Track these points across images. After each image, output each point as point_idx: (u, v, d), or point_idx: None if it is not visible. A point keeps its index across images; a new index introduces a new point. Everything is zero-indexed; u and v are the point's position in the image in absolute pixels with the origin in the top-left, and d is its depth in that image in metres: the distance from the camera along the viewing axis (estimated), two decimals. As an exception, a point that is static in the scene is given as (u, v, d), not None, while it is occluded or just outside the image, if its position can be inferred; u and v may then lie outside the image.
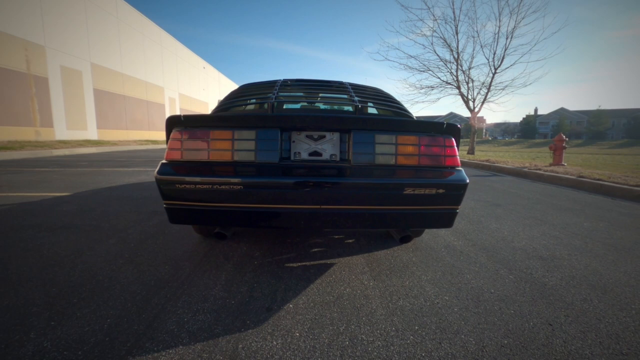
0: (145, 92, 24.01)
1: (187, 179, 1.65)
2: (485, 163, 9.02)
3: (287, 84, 2.61)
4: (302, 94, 2.63)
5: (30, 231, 2.70)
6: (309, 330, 1.45)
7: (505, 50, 11.99)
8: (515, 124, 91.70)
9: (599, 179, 5.58)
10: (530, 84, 12.80)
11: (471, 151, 12.83)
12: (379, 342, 1.37)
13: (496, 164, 8.55)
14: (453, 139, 1.79)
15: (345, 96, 2.39)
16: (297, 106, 2.66)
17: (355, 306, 1.66)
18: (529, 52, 12.00)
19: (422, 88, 13.61)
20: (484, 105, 13.17)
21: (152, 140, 23.21)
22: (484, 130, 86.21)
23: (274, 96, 2.10)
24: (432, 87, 13.43)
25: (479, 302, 1.72)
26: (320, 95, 2.58)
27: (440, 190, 1.69)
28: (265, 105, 2.03)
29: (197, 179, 1.64)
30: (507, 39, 11.96)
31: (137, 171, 7.04)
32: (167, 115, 27.72)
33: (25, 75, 13.92)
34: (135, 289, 1.78)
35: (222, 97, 43.87)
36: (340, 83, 2.67)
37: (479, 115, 13.48)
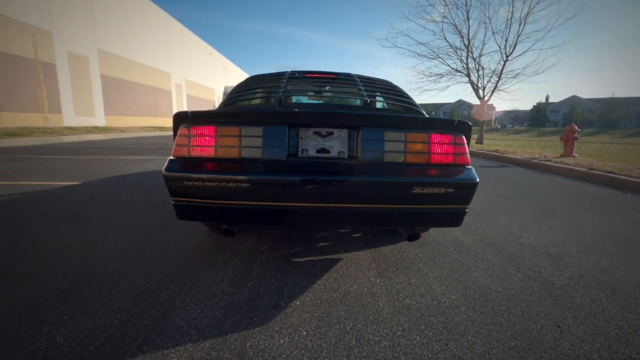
0: (151, 79, 23.93)
1: (195, 175, 1.64)
2: (494, 153, 8.90)
3: (294, 76, 2.57)
4: (309, 86, 2.59)
5: (40, 221, 2.74)
6: (316, 328, 1.46)
7: (518, 37, 11.66)
8: (525, 112, 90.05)
9: (610, 172, 5.48)
10: (542, 72, 12.46)
11: (480, 140, 12.64)
12: (386, 343, 1.38)
13: (505, 155, 8.43)
14: (464, 136, 1.76)
15: (354, 89, 2.34)
16: (305, 100, 2.63)
17: (361, 304, 1.67)
18: (542, 38, 11.61)
19: (431, 76, 13.37)
20: (494, 94, 12.93)
21: (159, 127, 23.24)
22: (493, 119, 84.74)
23: (281, 90, 2.07)
24: (441, 75, 13.18)
25: (486, 302, 1.71)
26: (328, 87, 2.54)
27: (450, 190, 1.67)
28: (273, 100, 2.00)
29: (205, 176, 1.64)
30: (520, 25, 11.63)
31: (144, 159, 7.07)
32: (174, 101, 27.82)
33: (33, 62, 13.93)
34: (145, 282, 1.80)
35: (228, 84, 43.66)
36: (349, 75, 2.62)
37: (488, 103, 13.22)
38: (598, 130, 59.94)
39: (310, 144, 1.76)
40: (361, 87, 2.25)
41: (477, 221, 3.09)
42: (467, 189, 1.69)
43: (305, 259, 2.18)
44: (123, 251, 2.20)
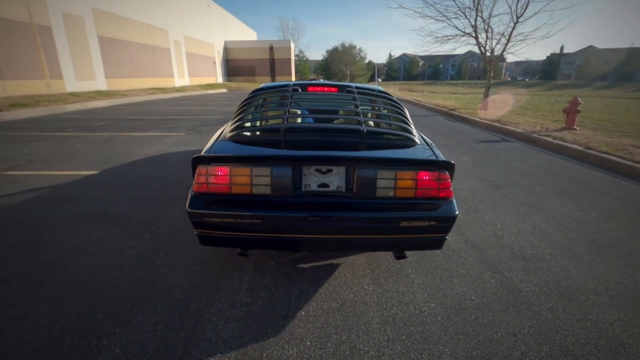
0: (149, 36, 23.20)
1: (213, 212, 1.92)
2: (495, 124, 8.95)
3: (297, 92, 2.73)
4: (311, 104, 2.77)
5: (74, 224, 3.08)
6: (318, 339, 1.82)
7: (531, -4, 11.07)
8: (538, 63, 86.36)
9: (605, 152, 5.64)
10: (553, 34, 11.98)
11: (484, 107, 12.53)
12: (373, 352, 1.74)
13: (506, 127, 8.50)
14: (447, 172, 1.99)
15: (352, 111, 2.53)
16: (309, 119, 2.82)
17: (355, 314, 2.02)
18: (556, -2, 11.03)
19: (437, 38, 12.91)
20: (503, 52, 12.54)
21: (160, 87, 22.96)
22: (503, 70, 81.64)
23: (284, 119, 2.27)
24: (449, 37, 12.72)
25: (459, 310, 2.06)
26: (329, 106, 2.72)
27: (432, 223, 1.95)
28: (279, 127, 2.20)
29: (222, 212, 1.92)
30: (534, -18, 10.98)
31: (152, 137, 7.29)
32: (174, 60, 27.13)
33: (29, 25, 13.58)
34: (175, 293, 2.16)
35: (228, 38, 42.01)
36: (349, 90, 2.77)
37: (497, 54, 12.84)
38: (612, 83, 57.92)
39: (312, 179, 2.01)
40: (359, 110, 2.43)
41: (465, 217, 3.39)
42: (447, 222, 1.97)
43: (309, 264, 2.51)
44: (152, 258, 2.55)
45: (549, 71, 72.27)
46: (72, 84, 16.05)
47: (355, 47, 62.54)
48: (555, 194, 4.11)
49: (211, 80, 35.54)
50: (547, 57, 75.15)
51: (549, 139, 6.86)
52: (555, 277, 2.41)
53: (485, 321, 1.97)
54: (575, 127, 7.86)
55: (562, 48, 77.05)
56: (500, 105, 14.79)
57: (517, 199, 3.94)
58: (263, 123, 2.57)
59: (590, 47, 72.19)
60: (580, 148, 6.03)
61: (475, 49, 13.04)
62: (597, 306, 2.11)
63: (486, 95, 12.70)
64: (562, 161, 5.80)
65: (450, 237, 2.96)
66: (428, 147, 2.28)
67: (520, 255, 2.70)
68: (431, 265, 2.54)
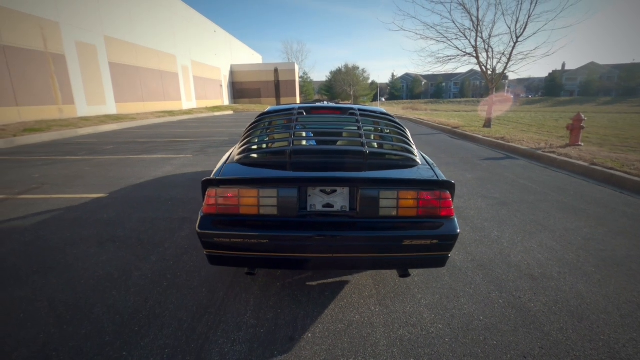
0: (158, 62, 23.95)
1: (222, 233, 1.96)
2: (499, 142, 8.99)
3: (302, 115, 2.82)
4: (316, 127, 2.85)
5: (83, 246, 3.13)
6: (324, 362, 1.81)
7: (529, 17, 11.32)
8: (540, 80, 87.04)
9: (611, 168, 5.62)
10: (553, 53, 12.21)
11: (488, 124, 12.61)
12: (380, 375, 1.72)
13: (510, 144, 8.52)
14: (448, 192, 2.02)
15: (355, 133, 2.59)
16: (313, 142, 2.89)
17: (362, 335, 2.00)
18: (554, 19, 11.26)
19: (439, 59, 13.19)
20: (505, 71, 12.72)
21: (168, 111, 23.50)
22: (506, 88, 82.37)
23: (290, 141, 2.33)
24: (450, 58, 12.99)
25: (467, 332, 2.03)
26: (334, 130, 2.79)
27: (435, 241, 1.96)
28: (285, 150, 2.26)
29: (230, 233, 1.96)
30: (531, 4, 11.27)
31: (160, 160, 7.42)
32: (181, 84, 27.91)
33: (44, 54, 14.15)
34: (182, 315, 2.17)
35: (234, 62, 43.26)
36: (352, 112, 2.84)
37: (499, 73, 13.00)
38: (616, 98, 58.06)
39: (317, 200, 2.05)
40: (362, 132, 2.49)
41: (471, 236, 3.37)
42: (448, 240, 1.98)
43: (315, 283, 2.51)
44: (159, 280, 2.57)
45: (551, 88, 72.69)
46: (83, 108, 16.51)
47: (358, 67, 63.77)
48: (562, 211, 4.09)
49: (218, 103, 36.31)
50: (549, 74, 75.81)
51: (554, 156, 6.85)
52: (564, 296, 2.38)
53: (494, 342, 1.94)
54: (580, 143, 7.86)
55: (563, 65, 77.88)
56: (504, 120, 14.86)
57: (523, 216, 3.92)
58: (269, 146, 2.63)
59: (592, 63, 72.82)
60: (586, 164, 6.01)
61: (477, 68, 13.25)
62: (609, 326, 2.07)
63: (489, 112, 12.80)
64: (568, 178, 5.77)
65: (456, 256, 2.95)
66: (429, 167, 2.32)
67: (528, 273, 2.68)
68: (438, 285, 2.53)
